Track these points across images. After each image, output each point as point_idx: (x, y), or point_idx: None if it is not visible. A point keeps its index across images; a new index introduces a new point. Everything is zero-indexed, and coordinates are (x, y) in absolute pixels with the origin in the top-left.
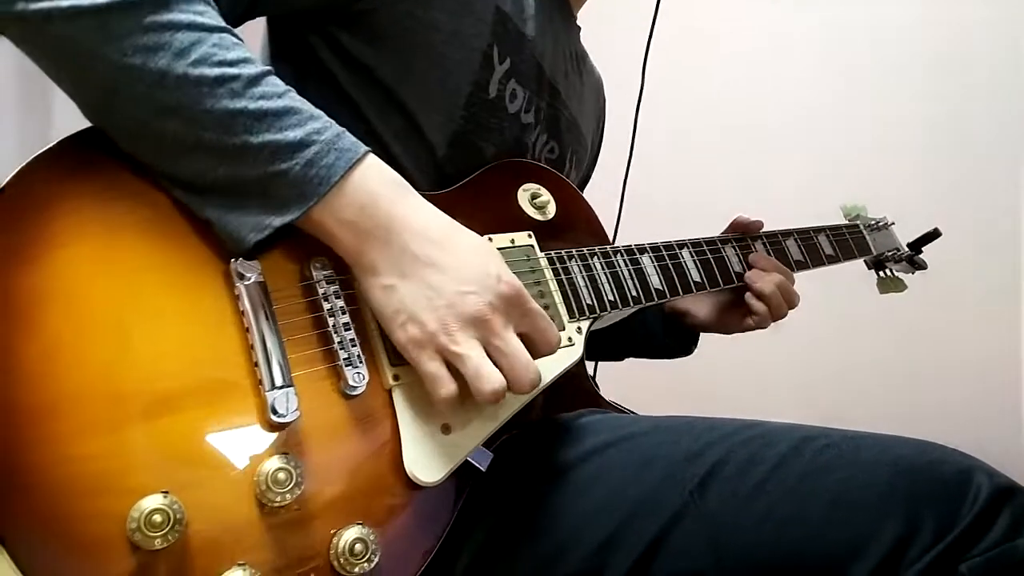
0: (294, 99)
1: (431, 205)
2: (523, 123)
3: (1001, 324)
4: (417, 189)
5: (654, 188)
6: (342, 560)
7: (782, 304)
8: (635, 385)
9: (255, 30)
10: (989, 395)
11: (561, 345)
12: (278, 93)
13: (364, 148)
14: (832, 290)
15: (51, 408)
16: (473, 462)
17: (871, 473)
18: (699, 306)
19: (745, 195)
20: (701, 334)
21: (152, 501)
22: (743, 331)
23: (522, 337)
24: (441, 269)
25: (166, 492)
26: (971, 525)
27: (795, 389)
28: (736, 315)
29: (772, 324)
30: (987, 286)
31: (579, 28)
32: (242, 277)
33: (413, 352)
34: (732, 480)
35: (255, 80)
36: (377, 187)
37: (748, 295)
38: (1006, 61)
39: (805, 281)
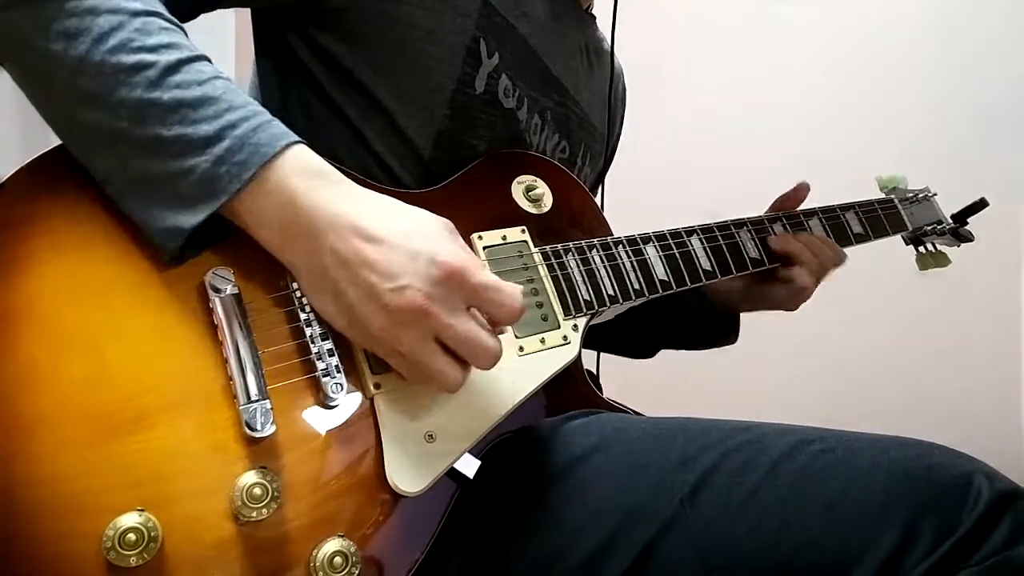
0: (216, 87)
1: (361, 190)
2: (520, 119)
3: (1001, 323)
4: (404, 188)
5: (640, 183)
6: (320, 574)
7: (823, 256)
8: (636, 383)
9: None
10: (990, 393)
11: (555, 344)
12: (198, 81)
13: (286, 141)
14: (833, 288)
15: (27, 428)
16: (459, 470)
17: (867, 479)
18: (733, 282)
19: (737, 186)
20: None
21: (127, 519)
22: (789, 300)
23: (479, 310)
24: (371, 265)
25: (142, 510)
26: (970, 532)
27: (794, 388)
28: (775, 283)
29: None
30: (987, 285)
31: (593, 18)
32: (217, 290)
33: (377, 350)
34: (724, 488)
35: (173, 68)
36: (296, 181)
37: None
38: (1007, 55)
39: None
